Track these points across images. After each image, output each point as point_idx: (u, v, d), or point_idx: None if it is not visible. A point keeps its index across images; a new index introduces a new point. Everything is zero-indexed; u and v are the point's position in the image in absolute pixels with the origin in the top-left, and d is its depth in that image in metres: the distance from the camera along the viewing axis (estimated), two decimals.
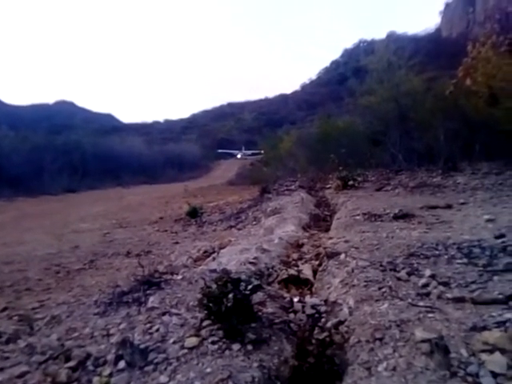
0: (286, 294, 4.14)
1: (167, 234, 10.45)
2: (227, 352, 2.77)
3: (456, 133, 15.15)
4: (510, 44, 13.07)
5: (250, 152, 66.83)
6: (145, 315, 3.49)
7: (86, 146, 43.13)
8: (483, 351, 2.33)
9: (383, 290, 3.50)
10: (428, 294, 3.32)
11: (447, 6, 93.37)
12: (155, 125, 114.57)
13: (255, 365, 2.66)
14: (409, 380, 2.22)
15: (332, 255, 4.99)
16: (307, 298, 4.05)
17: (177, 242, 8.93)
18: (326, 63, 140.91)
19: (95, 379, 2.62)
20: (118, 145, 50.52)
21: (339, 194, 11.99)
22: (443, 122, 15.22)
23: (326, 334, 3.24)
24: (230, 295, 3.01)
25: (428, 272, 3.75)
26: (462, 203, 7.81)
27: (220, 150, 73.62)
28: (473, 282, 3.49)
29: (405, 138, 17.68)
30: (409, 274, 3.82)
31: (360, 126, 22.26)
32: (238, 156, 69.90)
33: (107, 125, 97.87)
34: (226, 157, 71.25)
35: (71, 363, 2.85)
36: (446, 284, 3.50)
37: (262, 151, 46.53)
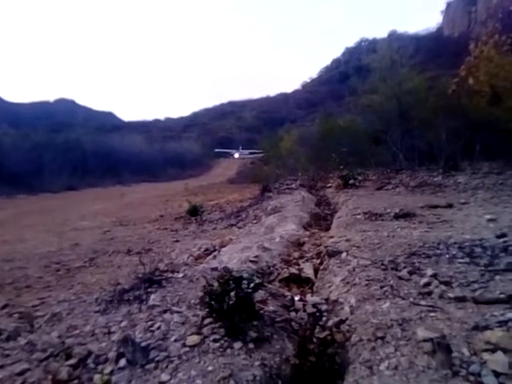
0: (287, 293, 4.13)
1: (168, 232, 10.45)
2: (229, 350, 2.77)
3: (457, 132, 15.16)
4: None
5: (247, 151, 66.56)
6: (146, 313, 3.48)
7: (86, 144, 43.26)
8: (485, 350, 2.33)
9: (385, 288, 3.50)
10: (430, 293, 3.32)
11: (449, 5, 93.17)
12: (156, 123, 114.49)
13: (257, 363, 2.66)
14: (411, 379, 2.22)
15: (333, 254, 4.98)
16: (308, 297, 4.06)
17: (177, 240, 8.92)
18: (327, 62, 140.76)
19: (96, 377, 2.61)
20: (119, 143, 50.53)
21: (340, 192, 12.00)
22: (445, 121, 15.22)
23: (327, 332, 3.23)
24: (232, 293, 3.00)
25: (429, 271, 3.75)
26: (463, 203, 7.82)
27: (217, 150, 72.79)
28: (474, 282, 3.49)
29: (406, 137, 17.70)
30: (410, 273, 3.82)
31: (361, 125, 22.26)
32: (236, 156, 69.21)
33: (108, 123, 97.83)
34: (226, 155, 70.94)
35: (72, 361, 2.84)
36: (447, 283, 3.49)
37: (261, 150, 46.47)
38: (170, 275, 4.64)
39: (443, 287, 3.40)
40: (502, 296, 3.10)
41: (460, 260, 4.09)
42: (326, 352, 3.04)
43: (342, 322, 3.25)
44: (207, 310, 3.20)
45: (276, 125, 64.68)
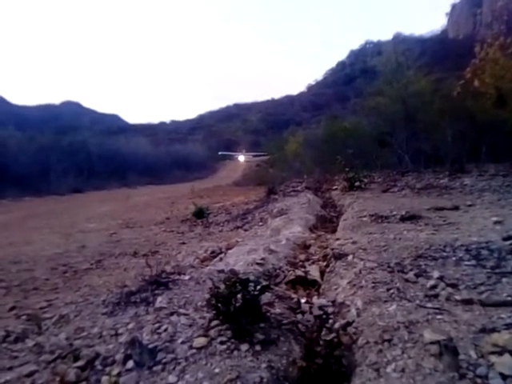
0: (293, 295, 4.13)
1: (174, 234, 10.43)
2: (236, 352, 2.78)
3: (463, 134, 15.13)
4: None
5: (251, 154, 66.41)
6: (153, 315, 3.49)
7: (92, 147, 43.34)
8: (492, 353, 2.32)
9: (391, 291, 3.49)
10: (436, 296, 3.31)
11: (453, 7, 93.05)
12: (162, 125, 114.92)
13: (264, 365, 2.66)
14: (418, 381, 2.22)
15: (339, 256, 4.97)
16: (315, 299, 4.05)
17: (183, 243, 8.91)
18: (332, 64, 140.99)
19: (104, 379, 2.63)
20: (124, 145, 50.60)
21: (346, 195, 11.97)
22: (450, 124, 15.20)
23: (333, 335, 3.23)
24: (239, 295, 3.01)
25: (436, 274, 3.74)
26: (470, 205, 7.77)
27: (220, 153, 72.14)
28: (481, 284, 3.48)
29: (412, 140, 17.65)
30: (417, 275, 3.81)
31: (366, 127, 22.24)
32: (241, 159, 68.37)
33: (113, 125, 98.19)
34: (231, 157, 70.73)
35: (80, 363, 2.86)
36: (454, 286, 3.49)
37: (265, 153, 46.49)
38: (177, 277, 4.64)
39: (450, 290, 3.39)
40: (509, 298, 3.10)
41: (466, 262, 4.07)
42: (332, 354, 3.03)
43: (349, 324, 3.24)
44: (214, 312, 3.21)
45: (281, 127, 64.68)
